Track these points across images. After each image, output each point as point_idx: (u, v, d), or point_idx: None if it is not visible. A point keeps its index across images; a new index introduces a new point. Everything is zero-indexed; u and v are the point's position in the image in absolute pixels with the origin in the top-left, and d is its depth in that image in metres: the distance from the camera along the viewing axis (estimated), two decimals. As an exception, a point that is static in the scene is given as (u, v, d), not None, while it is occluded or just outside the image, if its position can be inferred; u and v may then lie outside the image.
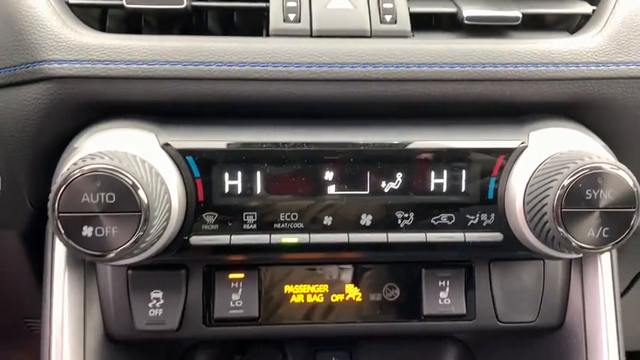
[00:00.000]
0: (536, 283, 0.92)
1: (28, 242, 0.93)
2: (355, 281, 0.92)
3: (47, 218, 0.86)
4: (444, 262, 0.91)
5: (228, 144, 0.78)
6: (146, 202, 0.68)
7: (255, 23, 0.87)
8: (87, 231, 0.68)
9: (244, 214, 0.80)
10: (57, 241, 0.84)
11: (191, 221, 0.79)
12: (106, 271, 0.87)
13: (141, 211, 0.68)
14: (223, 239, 0.79)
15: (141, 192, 0.68)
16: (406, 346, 1.17)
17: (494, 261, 0.92)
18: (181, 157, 0.77)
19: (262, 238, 0.80)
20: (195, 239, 0.79)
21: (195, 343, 1.13)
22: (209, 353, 1.13)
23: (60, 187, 0.68)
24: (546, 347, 0.99)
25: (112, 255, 0.69)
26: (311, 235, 0.81)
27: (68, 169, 0.69)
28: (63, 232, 0.69)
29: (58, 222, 0.68)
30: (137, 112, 0.80)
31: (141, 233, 0.68)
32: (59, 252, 0.84)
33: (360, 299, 0.92)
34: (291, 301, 0.91)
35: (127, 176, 0.68)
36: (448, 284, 0.91)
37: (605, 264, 0.90)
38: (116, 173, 0.68)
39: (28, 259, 0.96)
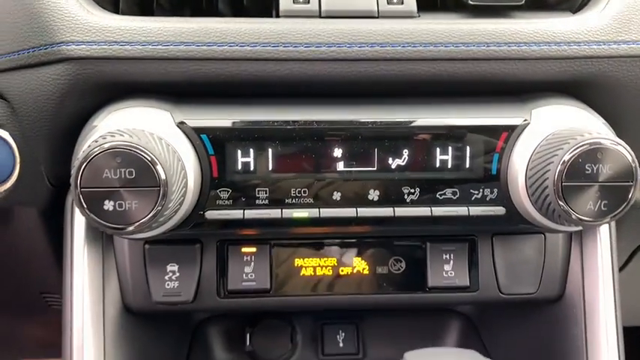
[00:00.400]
0: (538, 256, 0.95)
1: (46, 219, 0.96)
2: (362, 255, 0.94)
3: (66, 195, 0.90)
4: (448, 236, 0.94)
5: (241, 122, 0.81)
6: (164, 177, 0.71)
7: (264, 5, 0.89)
8: (108, 205, 0.71)
9: (257, 189, 0.82)
10: (76, 216, 0.87)
11: (206, 197, 0.81)
12: (124, 245, 0.90)
13: (159, 186, 0.71)
14: (237, 214, 0.82)
15: (159, 168, 0.71)
16: (410, 320, 1.20)
17: (496, 235, 0.94)
18: (196, 135, 0.80)
19: (274, 213, 0.82)
20: (210, 214, 0.82)
21: (208, 316, 1.17)
22: (221, 326, 1.17)
23: (82, 164, 0.70)
24: (546, 319, 1.01)
25: (131, 228, 0.72)
26: (321, 210, 0.83)
27: (89, 146, 0.71)
28: (85, 206, 0.71)
29: (81, 197, 0.71)
30: (153, 91, 0.82)
31: (159, 207, 0.71)
32: (78, 227, 0.87)
33: (367, 272, 0.94)
34: (301, 274, 0.94)
35: (145, 153, 0.71)
36: (452, 257, 0.93)
37: (604, 237, 0.92)
38: (135, 150, 0.71)
39: (46, 235, 0.99)
